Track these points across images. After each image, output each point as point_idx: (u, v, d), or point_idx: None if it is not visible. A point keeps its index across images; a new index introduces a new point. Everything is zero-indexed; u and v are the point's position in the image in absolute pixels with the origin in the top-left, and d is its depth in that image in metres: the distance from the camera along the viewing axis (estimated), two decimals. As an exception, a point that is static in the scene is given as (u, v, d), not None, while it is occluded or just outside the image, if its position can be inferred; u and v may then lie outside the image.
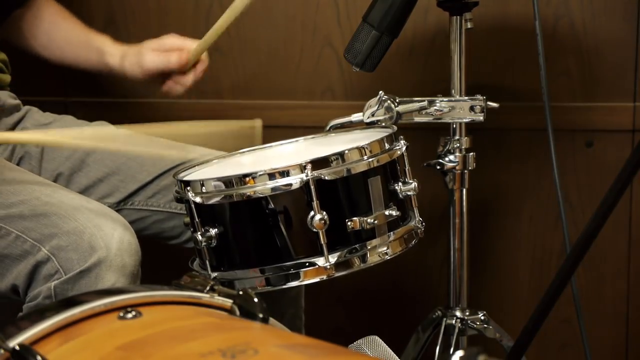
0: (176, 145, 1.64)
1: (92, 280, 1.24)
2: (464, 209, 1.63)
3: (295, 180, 1.21)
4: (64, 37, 1.69)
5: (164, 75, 1.63)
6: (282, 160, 1.42)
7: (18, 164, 1.57)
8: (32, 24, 1.68)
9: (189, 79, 1.63)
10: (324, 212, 1.21)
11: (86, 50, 1.67)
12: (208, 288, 0.91)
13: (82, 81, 1.79)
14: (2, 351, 0.75)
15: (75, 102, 1.91)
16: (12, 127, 1.59)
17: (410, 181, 1.32)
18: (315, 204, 1.20)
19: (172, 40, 1.62)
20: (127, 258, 1.27)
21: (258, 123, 1.47)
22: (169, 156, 1.59)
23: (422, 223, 1.34)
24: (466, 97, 1.56)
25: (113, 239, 1.26)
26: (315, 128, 1.58)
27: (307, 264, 1.23)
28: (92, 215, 1.29)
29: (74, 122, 1.66)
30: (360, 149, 1.25)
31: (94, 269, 1.23)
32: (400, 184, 1.31)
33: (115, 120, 1.68)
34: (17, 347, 0.75)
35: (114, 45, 1.65)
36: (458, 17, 1.56)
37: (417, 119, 1.55)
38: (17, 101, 1.62)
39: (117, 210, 1.57)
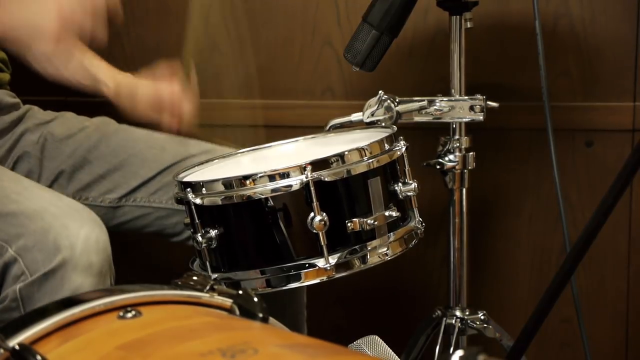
0: (178, 140, 1.64)
1: (57, 282, 1.21)
2: (464, 209, 1.63)
3: (295, 181, 1.21)
4: (59, 57, 1.68)
5: (159, 109, 1.58)
6: (282, 160, 1.42)
7: (15, 163, 1.57)
8: None
9: (186, 108, 1.59)
10: (324, 213, 1.21)
11: (81, 75, 1.65)
12: (208, 287, 0.91)
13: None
14: (2, 351, 0.75)
15: (75, 101, 1.91)
16: (11, 126, 1.59)
17: (410, 182, 1.32)
18: (315, 205, 1.20)
19: (168, 94, 1.56)
20: (93, 257, 1.24)
21: None
22: (171, 150, 1.59)
23: (422, 223, 1.34)
24: (466, 97, 1.56)
25: (79, 238, 1.23)
26: (315, 128, 1.58)
27: (307, 265, 1.23)
28: (60, 213, 1.26)
29: (74, 118, 1.66)
30: (360, 150, 1.25)
31: (59, 270, 1.21)
32: (400, 184, 1.31)
33: (115, 120, 1.69)
34: (17, 347, 0.75)
35: (109, 75, 1.62)
36: (458, 16, 1.56)
37: (417, 119, 1.55)
38: (16, 100, 1.62)
39: (119, 207, 1.57)
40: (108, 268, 1.29)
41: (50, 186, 1.57)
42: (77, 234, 1.24)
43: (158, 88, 1.58)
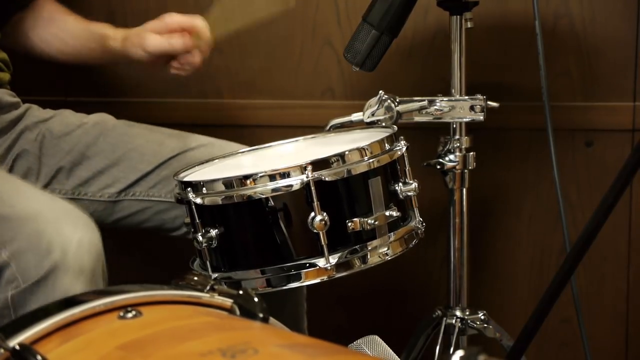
0: (176, 134, 1.64)
1: (49, 288, 1.21)
2: (464, 209, 1.63)
3: (295, 181, 1.21)
4: (64, 29, 1.68)
5: (169, 56, 1.58)
6: (282, 160, 1.42)
7: (14, 161, 1.57)
8: (32, 23, 1.68)
9: (196, 59, 1.57)
10: (325, 213, 1.21)
11: (88, 39, 1.66)
12: (208, 287, 0.91)
13: (82, 81, 1.79)
14: (2, 351, 0.75)
15: (75, 101, 1.91)
16: (10, 125, 1.59)
17: (411, 181, 1.32)
18: (315, 204, 1.20)
19: (173, 20, 1.56)
20: (85, 260, 1.23)
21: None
22: (170, 143, 1.59)
23: (422, 223, 1.34)
24: (466, 97, 1.56)
25: (72, 242, 1.23)
26: (315, 128, 1.58)
27: (307, 264, 1.23)
28: (54, 217, 1.26)
29: (73, 115, 1.66)
30: (361, 150, 1.25)
31: (50, 275, 1.21)
32: (400, 184, 1.31)
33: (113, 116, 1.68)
34: (17, 347, 0.75)
35: (115, 30, 1.64)
36: (458, 16, 1.56)
37: (417, 119, 1.55)
38: (16, 99, 1.62)
39: (118, 201, 1.57)
40: (101, 271, 1.28)
41: (49, 183, 1.57)
42: (71, 238, 1.23)
43: (163, 18, 1.58)
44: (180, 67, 1.59)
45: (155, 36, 1.56)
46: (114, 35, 1.62)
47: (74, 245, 1.23)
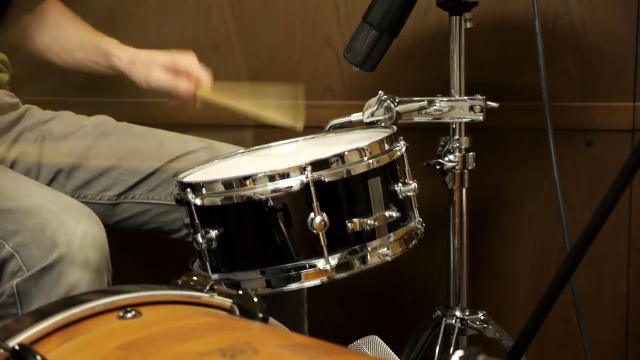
0: (176, 137, 1.64)
1: (54, 278, 1.22)
2: (464, 209, 1.63)
3: (295, 181, 1.21)
4: (71, 40, 1.68)
5: (175, 75, 1.58)
6: (282, 161, 1.42)
7: (13, 162, 1.57)
8: (39, 29, 1.68)
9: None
10: (324, 214, 1.21)
11: (93, 53, 1.67)
12: (208, 288, 0.91)
13: (82, 81, 1.79)
14: (2, 351, 0.75)
15: (75, 102, 1.91)
16: (9, 126, 1.59)
17: (410, 182, 1.32)
18: (315, 205, 1.20)
19: (184, 61, 1.57)
20: (90, 253, 1.25)
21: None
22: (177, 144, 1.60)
23: (422, 224, 1.34)
24: (466, 97, 1.56)
25: (76, 234, 1.24)
26: (315, 128, 1.58)
27: (307, 265, 1.23)
28: (57, 210, 1.27)
29: (73, 117, 1.66)
30: (360, 150, 1.26)
31: (56, 265, 1.22)
32: (400, 184, 1.31)
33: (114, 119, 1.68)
34: (17, 347, 0.75)
35: (121, 49, 1.64)
36: (458, 17, 1.56)
37: (417, 119, 1.55)
38: (16, 100, 1.62)
39: (118, 204, 1.57)
40: (105, 265, 1.29)
41: (48, 185, 1.57)
42: (74, 231, 1.24)
43: (174, 55, 1.58)
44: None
45: (162, 72, 1.56)
46: (120, 55, 1.61)
47: (78, 238, 1.24)
